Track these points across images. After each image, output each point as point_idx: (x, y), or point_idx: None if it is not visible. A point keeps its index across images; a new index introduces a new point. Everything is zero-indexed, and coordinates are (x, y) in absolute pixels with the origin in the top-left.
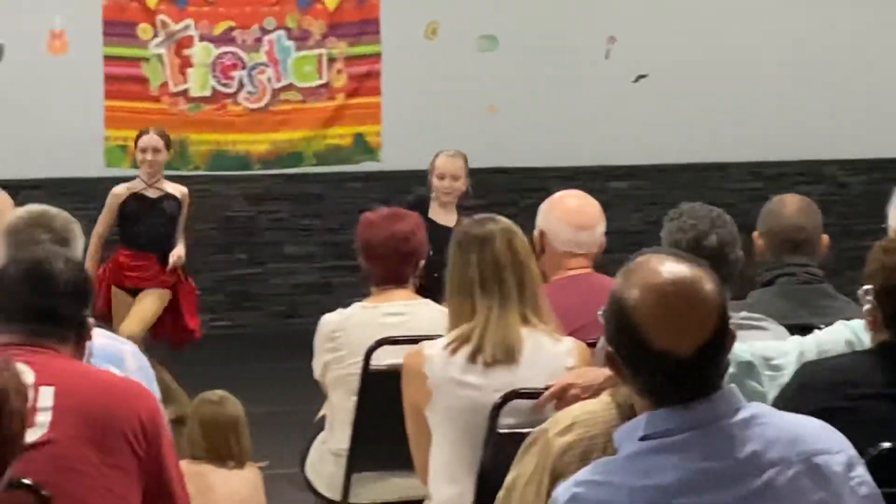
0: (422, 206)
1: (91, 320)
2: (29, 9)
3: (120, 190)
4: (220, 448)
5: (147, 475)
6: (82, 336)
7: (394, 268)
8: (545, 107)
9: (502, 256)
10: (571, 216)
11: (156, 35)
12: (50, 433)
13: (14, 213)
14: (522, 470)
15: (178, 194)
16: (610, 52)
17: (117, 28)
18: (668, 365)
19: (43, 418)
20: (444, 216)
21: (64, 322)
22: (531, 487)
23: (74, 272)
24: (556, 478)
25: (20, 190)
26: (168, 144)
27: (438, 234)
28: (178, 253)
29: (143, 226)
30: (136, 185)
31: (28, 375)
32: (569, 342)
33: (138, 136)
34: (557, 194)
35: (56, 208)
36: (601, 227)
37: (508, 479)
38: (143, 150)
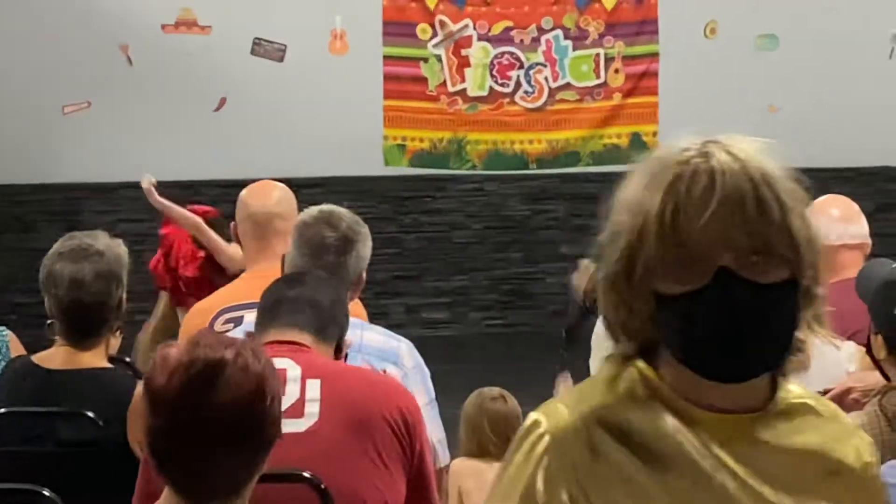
0: None
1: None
2: (311, 10)
3: None
4: (510, 442)
5: (410, 467)
6: (341, 343)
7: None
8: (826, 107)
9: None
10: (834, 211)
11: (434, 35)
12: (319, 422)
13: (306, 210)
14: None
15: None
16: (894, 50)
17: (397, 28)
18: None
19: (312, 409)
20: None
21: (328, 326)
22: None
23: (336, 285)
24: None
25: (301, 188)
26: None
27: None
28: None
29: None
30: None
31: (294, 369)
32: (850, 347)
33: None
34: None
35: (347, 211)
36: (865, 223)
37: None
38: None
